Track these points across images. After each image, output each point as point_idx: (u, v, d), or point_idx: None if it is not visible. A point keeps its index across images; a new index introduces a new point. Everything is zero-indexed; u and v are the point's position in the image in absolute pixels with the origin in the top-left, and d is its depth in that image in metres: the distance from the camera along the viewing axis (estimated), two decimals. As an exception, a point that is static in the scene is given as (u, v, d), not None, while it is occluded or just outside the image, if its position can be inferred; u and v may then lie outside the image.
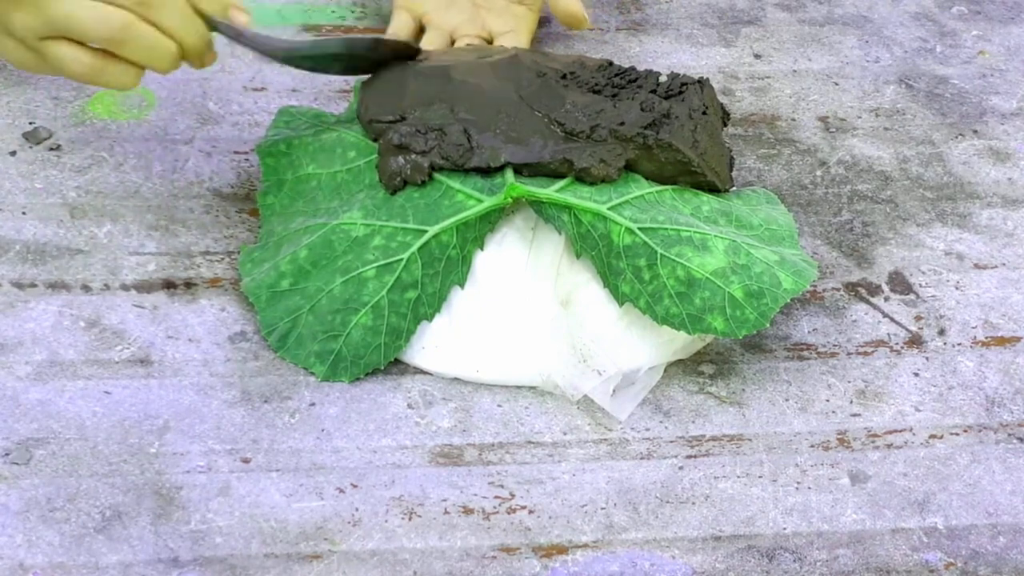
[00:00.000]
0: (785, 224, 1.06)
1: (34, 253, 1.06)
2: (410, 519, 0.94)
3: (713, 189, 1.06)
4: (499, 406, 1.00)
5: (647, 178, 1.04)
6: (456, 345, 1.01)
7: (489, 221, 1.02)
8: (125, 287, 1.05)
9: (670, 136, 1.03)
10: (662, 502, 0.96)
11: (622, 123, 1.03)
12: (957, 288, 1.11)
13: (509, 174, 1.02)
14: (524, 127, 1.04)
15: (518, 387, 1.01)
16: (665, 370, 1.03)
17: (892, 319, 1.08)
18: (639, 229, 1.00)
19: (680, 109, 1.04)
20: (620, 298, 1.00)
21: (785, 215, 1.07)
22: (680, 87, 1.06)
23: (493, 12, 1.22)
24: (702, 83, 1.06)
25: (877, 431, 1.01)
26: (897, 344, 1.06)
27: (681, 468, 0.98)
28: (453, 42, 1.21)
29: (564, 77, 1.07)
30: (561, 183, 1.02)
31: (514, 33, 1.21)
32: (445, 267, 1.01)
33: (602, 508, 0.95)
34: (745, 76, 1.26)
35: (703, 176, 1.04)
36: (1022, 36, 1.33)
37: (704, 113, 1.05)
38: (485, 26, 1.21)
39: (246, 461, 0.96)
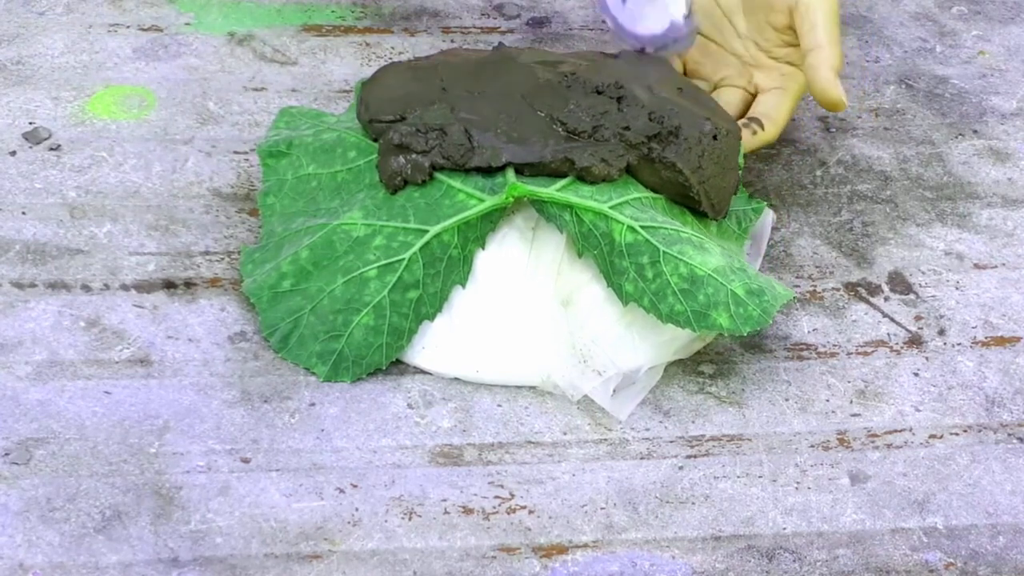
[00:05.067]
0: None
1: (34, 253, 1.06)
2: (410, 519, 0.94)
3: (703, 215, 1.06)
4: (499, 406, 1.01)
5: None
6: (456, 345, 1.01)
7: (490, 220, 1.02)
8: (125, 287, 1.05)
9: (675, 156, 1.03)
10: (662, 502, 0.96)
11: (627, 127, 1.03)
12: (957, 288, 1.11)
13: (510, 173, 1.02)
14: (525, 127, 1.04)
15: (518, 387, 1.01)
16: (665, 370, 1.03)
17: (892, 319, 1.08)
18: (641, 227, 1.00)
19: (690, 131, 1.03)
20: (624, 298, 1.00)
21: (739, 256, 1.06)
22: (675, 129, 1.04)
23: (762, 70, 1.16)
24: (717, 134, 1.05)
25: (877, 431, 1.01)
26: (897, 344, 1.06)
27: (681, 468, 0.98)
28: (715, 89, 1.16)
29: (566, 77, 1.07)
30: (562, 182, 1.02)
31: (782, 91, 1.14)
32: (446, 267, 1.01)
33: (602, 508, 0.95)
34: (745, 76, 1.26)
35: (698, 203, 1.04)
36: (1022, 36, 1.33)
37: (715, 138, 1.04)
38: (752, 81, 1.16)
39: (246, 461, 0.96)
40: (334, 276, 1.01)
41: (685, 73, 1.17)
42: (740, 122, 1.13)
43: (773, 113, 1.13)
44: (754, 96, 1.15)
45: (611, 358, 1.00)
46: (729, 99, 1.15)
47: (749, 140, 1.12)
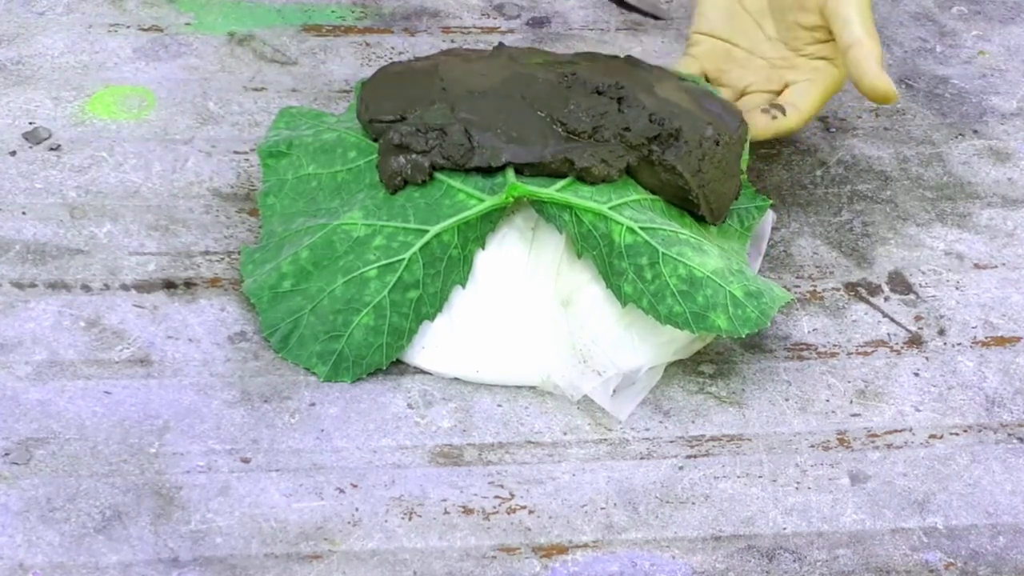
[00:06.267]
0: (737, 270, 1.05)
1: (34, 253, 1.06)
2: (410, 519, 0.94)
3: (701, 218, 1.06)
4: (499, 406, 1.01)
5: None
6: (456, 345, 1.01)
7: (490, 220, 1.02)
8: (125, 287, 1.05)
9: (675, 159, 1.03)
10: (662, 502, 0.96)
11: (627, 128, 1.03)
12: (957, 288, 1.11)
13: (510, 173, 1.02)
14: (525, 127, 1.04)
15: (518, 387, 1.01)
16: (665, 370, 1.03)
17: (892, 319, 1.08)
18: (640, 229, 1.00)
19: (691, 134, 1.03)
20: (623, 299, 1.00)
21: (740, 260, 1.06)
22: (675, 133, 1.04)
23: (794, 69, 1.14)
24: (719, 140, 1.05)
25: (877, 431, 1.01)
26: (897, 344, 1.06)
27: (681, 468, 0.98)
28: (741, 96, 1.14)
29: (566, 77, 1.07)
30: (562, 183, 1.02)
31: (810, 82, 1.12)
32: (447, 267, 1.01)
33: (602, 508, 0.95)
34: (745, 76, 1.26)
35: (697, 206, 1.04)
36: (1022, 36, 1.33)
37: (717, 143, 1.04)
38: (782, 81, 1.14)
39: (246, 461, 0.96)
40: (334, 276, 1.01)
41: (707, 81, 1.15)
42: (760, 109, 1.11)
43: (799, 102, 1.12)
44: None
45: (611, 358, 1.00)
46: (756, 104, 1.13)
47: (768, 125, 1.10)
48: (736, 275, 1.00)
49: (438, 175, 1.03)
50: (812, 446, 1.00)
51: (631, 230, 1.00)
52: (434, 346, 1.01)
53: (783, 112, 1.11)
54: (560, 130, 1.04)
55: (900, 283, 1.11)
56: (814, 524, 0.96)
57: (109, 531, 0.91)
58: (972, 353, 1.06)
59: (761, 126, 1.11)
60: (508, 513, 0.95)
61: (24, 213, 1.09)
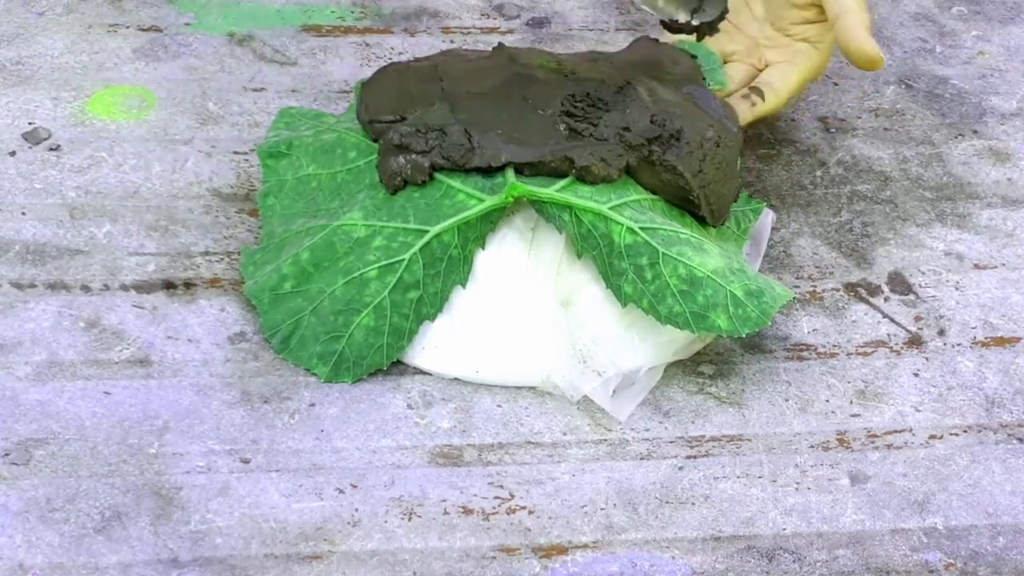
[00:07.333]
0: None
1: (34, 253, 1.06)
2: (410, 519, 0.94)
3: (701, 219, 1.06)
4: (499, 406, 1.01)
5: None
6: (456, 345, 1.01)
7: (490, 220, 1.02)
8: (125, 287, 1.05)
9: (676, 159, 1.03)
10: (662, 502, 0.96)
11: (627, 128, 1.03)
12: (957, 288, 1.11)
13: (510, 173, 1.02)
14: (525, 127, 1.04)
15: (518, 387, 1.01)
16: (665, 370, 1.03)
17: (892, 319, 1.08)
18: (640, 229, 1.00)
19: (692, 135, 1.03)
20: (623, 299, 1.00)
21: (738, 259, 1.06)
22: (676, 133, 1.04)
23: (775, 48, 1.16)
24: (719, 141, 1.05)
25: (877, 431, 1.01)
26: (897, 344, 1.06)
27: (681, 468, 0.98)
28: (723, 64, 1.15)
29: (566, 77, 1.07)
30: (562, 183, 1.02)
31: (789, 64, 1.15)
32: (447, 267, 1.01)
33: (602, 508, 0.95)
34: (745, 76, 1.26)
35: (697, 207, 1.04)
36: (1022, 36, 1.33)
37: (717, 145, 1.04)
38: (762, 59, 1.16)
39: (246, 461, 0.96)
40: (335, 277, 1.01)
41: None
42: (739, 94, 1.13)
43: (776, 83, 1.14)
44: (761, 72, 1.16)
45: (611, 358, 1.00)
46: (735, 74, 1.16)
47: (747, 112, 1.13)
48: (737, 274, 1.00)
49: (438, 175, 1.03)
50: (812, 446, 1.00)
51: (631, 230, 1.00)
52: (434, 346, 1.01)
53: (762, 97, 1.13)
54: (560, 129, 1.04)
55: (900, 283, 1.11)
56: (814, 524, 0.96)
57: (109, 531, 0.91)
58: (972, 353, 1.06)
59: (741, 113, 1.12)
60: (508, 513, 0.95)
61: (24, 213, 1.09)
